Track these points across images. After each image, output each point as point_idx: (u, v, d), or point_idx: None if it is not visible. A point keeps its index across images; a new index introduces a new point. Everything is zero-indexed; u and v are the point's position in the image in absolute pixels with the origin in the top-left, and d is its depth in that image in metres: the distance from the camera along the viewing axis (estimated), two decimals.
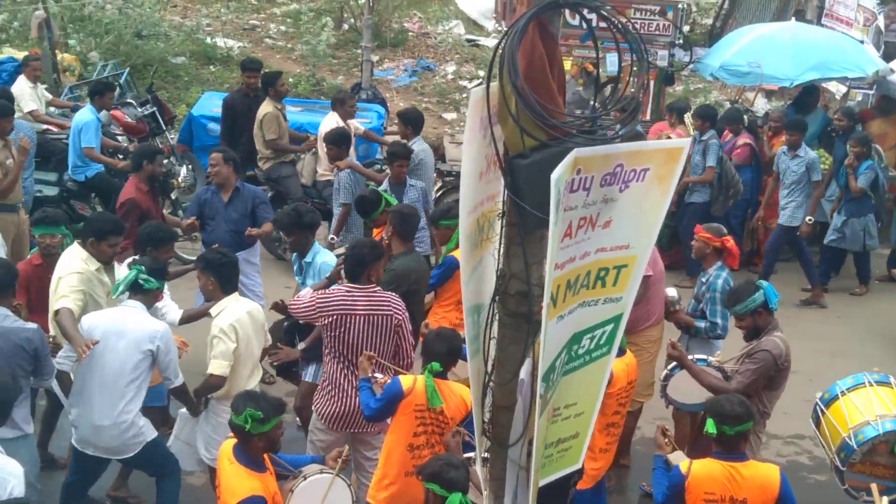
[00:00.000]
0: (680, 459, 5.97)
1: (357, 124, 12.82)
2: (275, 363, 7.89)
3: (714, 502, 5.97)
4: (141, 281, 6.88)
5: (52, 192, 12.29)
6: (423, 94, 19.34)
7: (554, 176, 3.41)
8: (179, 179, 12.44)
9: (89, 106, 12.20)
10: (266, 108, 12.17)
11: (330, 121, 12.07)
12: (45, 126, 13.00)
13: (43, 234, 7.53)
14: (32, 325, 6.66)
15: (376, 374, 6.44)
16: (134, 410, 6.77)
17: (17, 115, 12.57)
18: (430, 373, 6.15)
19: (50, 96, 13.74)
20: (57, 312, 6.93)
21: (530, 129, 3.63)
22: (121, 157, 12.22)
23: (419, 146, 11.12)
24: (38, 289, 7.60)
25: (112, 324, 6.75)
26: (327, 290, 6.98)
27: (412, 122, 11.35)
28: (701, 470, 5.74)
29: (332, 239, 10.06)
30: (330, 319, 6.81)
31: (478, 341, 4.10)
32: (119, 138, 12.89)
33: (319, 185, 12.18)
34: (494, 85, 3.65)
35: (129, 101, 13.59)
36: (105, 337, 6.64)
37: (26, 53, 14.39)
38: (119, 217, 8.67)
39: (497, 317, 4.00)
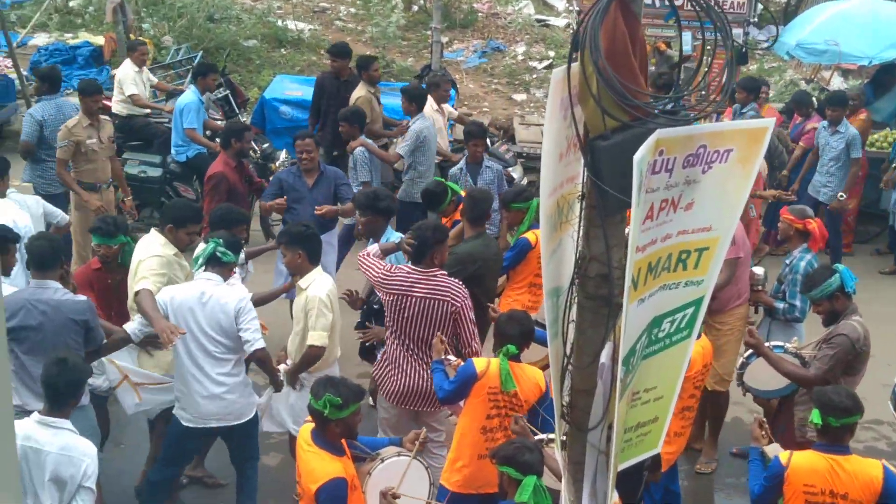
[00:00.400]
0: (777, 451, 5.86)
1: (451, 108, 12.77)
2: (365, 342, 7.92)
3: (814, 495, 5.88)
4: (219, 254, 6.92)
5: (155, 173, 12.74)
6: (492, 76, 19.23)
7: (637, 157, 3.34)
8: (277, 164, 12.44)
9: (192, 88, 12.40)
10: (359, 92, 12.12)
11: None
12: (147, 110, 13.17)
13: (99, 243, 7.60)
14: (82, 298, 6.73)
15: (449, 357, 6.42)
16: (241, 373, 6.91)
17: (119, 97, 12.78)
18: (505, 356, 6.12)
19: (155, 80, 13.85)
20: (137, 293, 7.00)
21: (612, 109, 3.52)
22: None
23: (422, 123, 10.99)
24: (100, 290, 7.68)
25: (190, 295, 6.81)
26: (392, 268, 6.98)
27: (416, 98, 11.20)
28: (802, 462, 5.62)
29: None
30: (389, 298, 6.83)
31: (557, 324, 4.02)
32: (220, 121, 12.94)
33: None
34: (575, 65, 3.54)
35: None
36: (184, 309, 6.71)
37: (131, 39, 14.63)
38: (207, 190, 8.77)
39: (576, 300, 3.88)
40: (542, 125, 13.72)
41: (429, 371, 6.87)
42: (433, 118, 11.44)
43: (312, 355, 6.87)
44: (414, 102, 11.09)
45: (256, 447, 7.08)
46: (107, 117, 11.14)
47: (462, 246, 7.93)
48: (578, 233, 3.82)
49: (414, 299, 6.77)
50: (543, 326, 6.59)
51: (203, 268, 6.89)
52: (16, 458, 2.87)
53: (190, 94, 12.24)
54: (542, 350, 6.98)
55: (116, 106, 13.02)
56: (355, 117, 10.75)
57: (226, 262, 6.86)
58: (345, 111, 10.98)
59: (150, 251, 7.12)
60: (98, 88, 10.71)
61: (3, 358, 2.66)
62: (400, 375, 6.88)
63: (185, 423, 6.80)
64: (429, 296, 6.78)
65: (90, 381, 6.40)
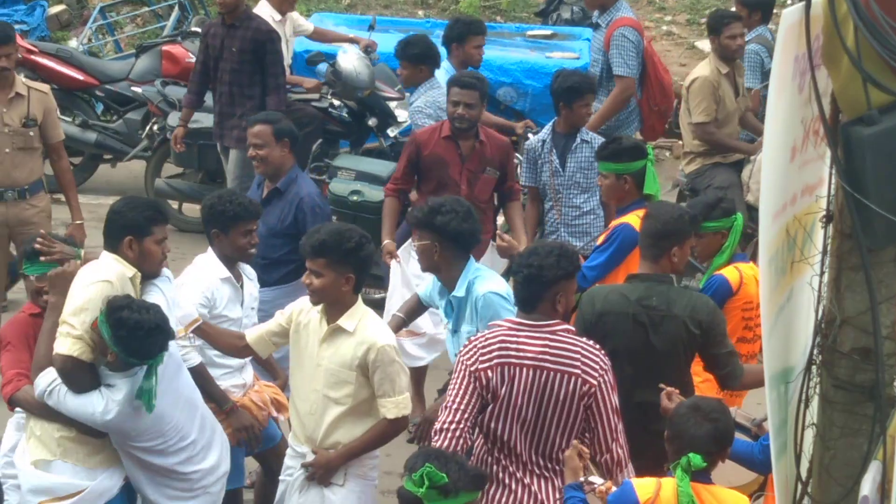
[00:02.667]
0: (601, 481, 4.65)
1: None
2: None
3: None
4: None
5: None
6: (663, 9, 14.88)
7: None
8: None
9: (446, 61, 8.54)
10: None
11: None
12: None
13: (34, 274, 5.12)
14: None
15: (592, 478, 4.60)
16: None
17: None
18: (685, 471, 4.24)
19: (310, 27, 10.01)
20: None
21: (880, 76, 2.84)
22: None
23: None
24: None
25: None
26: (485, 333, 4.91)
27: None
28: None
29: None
30: (487, 374, 4.84)
31: (786, 431, 3.11)
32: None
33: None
34: (820, 2, 2.89)
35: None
36: None
37: None
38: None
39: (818, 390, 3.13)
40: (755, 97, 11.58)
41: (551, 499, 4.87)
42: None
43: (396, 432, 5.04)
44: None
45: None
46: (41, 86, 7.51)
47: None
48: (821, 279, 3.14)
49: (524, 371, 4.71)
50: (746, 430, 5.11)
51: None
52: None
53: (442, 73, 8.28)
54: (746, 471, 5.20)
55: None
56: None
57: None
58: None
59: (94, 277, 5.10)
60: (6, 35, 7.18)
61: None
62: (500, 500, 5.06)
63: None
64: (547, 365, 4.72)
65: None
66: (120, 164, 10.11)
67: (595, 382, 4.66)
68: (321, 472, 4.94)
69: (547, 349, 4.70)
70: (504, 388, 4.68)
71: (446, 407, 4.70)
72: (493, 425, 4.75)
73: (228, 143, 8.33)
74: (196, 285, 5.38)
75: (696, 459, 4.20)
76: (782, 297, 3.20)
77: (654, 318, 5.01)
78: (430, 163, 6.78)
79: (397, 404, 4.92)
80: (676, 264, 5.24)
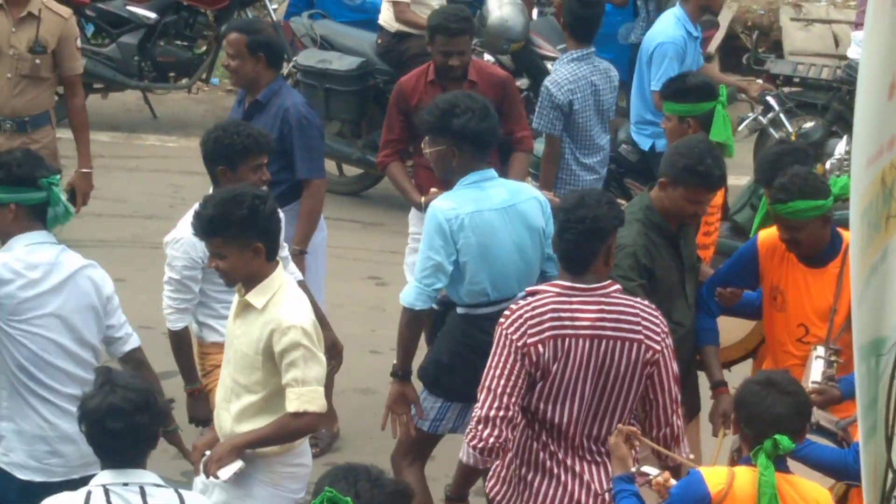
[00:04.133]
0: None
1: None
2: None
3: None
4: None
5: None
6: None
7: None
8: None
9: (678, 7, 7.93)
10: None
11: None
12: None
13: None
14: None
15: (646, 468, 4.18)
16: None
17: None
18: (768, 456, 3.83)
19: None
20: None
21: None
22: None
23: None
24: None
25: None
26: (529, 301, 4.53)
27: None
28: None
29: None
30: (538, 349, 4.26)
31: (875, 410, 2.77)
32: None
33: None
34: None
35: None
36: None
37: None
38: None
39: None
40: (852, 25, 10.87)
41: (604, 487, 4.46)
42: None
43: (299, 429, 4.61)
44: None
45: None
46: (62, 9, 6.70)
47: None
48: None
49: (579, 344, 4.41)
50: (829, 434, 4.55)
51: None
52: None
53: (671, 21, 7.80)
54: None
55: (384, 13, 8.99)
56: None
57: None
58: None
59: None
60: None
61: None
62: (548, 494, 4.65)
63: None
64: (607, 333, 4.30)
65: None
66: (113, 96, 9.56)
67: (658, 348, 4.29)
68: (212, 463, 4.35)
69: (604, 315, 4.26)
70: (557, 364, 4.23)
71: (489, 390, 4.19)
72: (542, 407, 4.31)
73: None
74: (177, 246, 4.90)
75: (784, 441, 3.73)
76: (876, 256, 2.86)
77: None
78: (419, 113, 6.24)
79: (300, 396, 4.29)
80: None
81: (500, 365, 4.11)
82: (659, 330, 4.30)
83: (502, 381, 4.10)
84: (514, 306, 4.27)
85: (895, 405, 2.79)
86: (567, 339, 4.19)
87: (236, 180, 4.94)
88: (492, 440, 4.08)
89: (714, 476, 3.88)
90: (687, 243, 5.12)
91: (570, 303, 4.21)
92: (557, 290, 4.25)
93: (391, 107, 6.40)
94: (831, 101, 8.56)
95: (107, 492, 3.69)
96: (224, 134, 5.09)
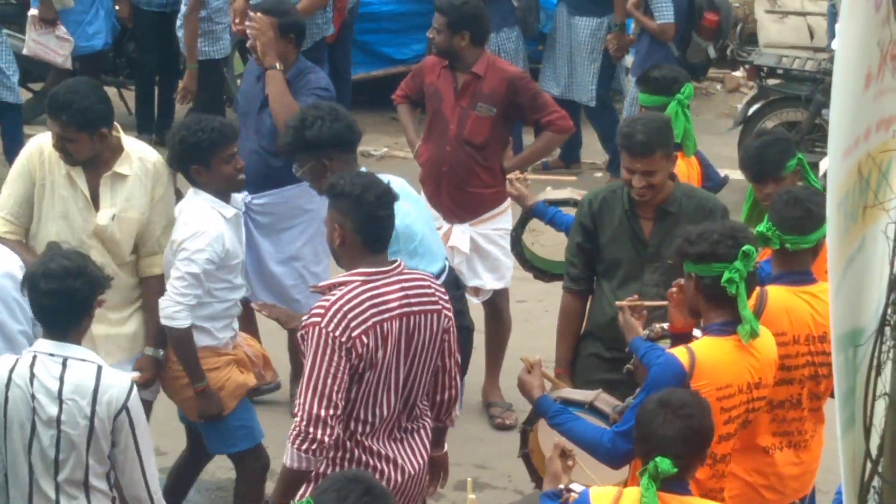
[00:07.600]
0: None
1: None
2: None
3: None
4: None
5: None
6: None
7: None
8: None
9: None
10: None
11: None
12: None
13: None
14: None
15: (574, 485, 4.18)
16: None
17: None
18: (652, 479, 3.74)
19: None
20: None
21: None
22: None
23: None
24: None
25: None
26: (332, 284, 4.43)
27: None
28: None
29: None
30: (363, 341, 4.24)
31: (853, 400, 2.81)
32: None
33: None
34: None
35: None
36: None
37: None
38: None
39: (892, 355, 2.81)
40: (826, 17, 10.82)
41: (418, 467, 4.58)
42: None
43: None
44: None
45: None
46: None
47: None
48: None
49: (393, 326, 4.35)
50: (605, 417, 4.55)
51: None
52: None
53: None
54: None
55: None
56: None
57: None
58: None
59: None
60: None
61: None
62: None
63: None
64: (414, 309, 4.39)
65: None
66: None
67: (451, 315, 4.46)
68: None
69: (406, 292, 4.35)
70: (381, 351, 4.26)
71: (315, 391, 4.11)
72: (365, 399, 4.31)
73: None
74: (201, 240, 4.92)
75: (663, 464, 3.66)
76: (852, 247, 2.90)
77: None
78: (429, 93, 6.39)
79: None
80: None
81: (325, 364, 4.06)
82: (447, 297, 4.47)
83: (328, 381, 4.06)
84: (324, 302, 4.22)
85: (873, 395, 2.82)
86: (384, 324, 4.24)
87: (212, 175, 4.99)
88: (327, 439, 4.06)
89: (600, 497, 3.84)
90: (662, 233, 5.07)
91: (378, 287, 4.26)
92: (362, 277, 4.28)
93: (414, 71, 6.64)
94: (815, 92, 8.57)
95: (34, 358, 4.10)
96: (188, 133, 5.07)
